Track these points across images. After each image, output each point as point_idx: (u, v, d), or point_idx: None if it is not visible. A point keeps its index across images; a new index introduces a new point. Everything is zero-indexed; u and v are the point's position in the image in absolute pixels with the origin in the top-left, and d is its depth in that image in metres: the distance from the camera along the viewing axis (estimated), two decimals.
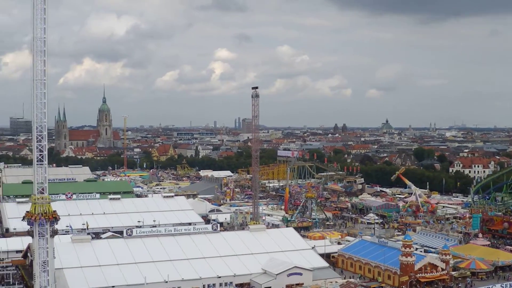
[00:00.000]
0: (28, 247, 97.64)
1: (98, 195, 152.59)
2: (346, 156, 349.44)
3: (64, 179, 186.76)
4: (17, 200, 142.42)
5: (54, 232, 74.37)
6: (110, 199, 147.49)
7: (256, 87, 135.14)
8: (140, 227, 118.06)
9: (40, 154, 70.39)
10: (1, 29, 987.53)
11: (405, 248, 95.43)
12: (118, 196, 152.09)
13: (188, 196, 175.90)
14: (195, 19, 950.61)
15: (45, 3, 67.87)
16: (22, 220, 74.52)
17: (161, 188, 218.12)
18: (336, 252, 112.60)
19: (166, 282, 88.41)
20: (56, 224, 73.75)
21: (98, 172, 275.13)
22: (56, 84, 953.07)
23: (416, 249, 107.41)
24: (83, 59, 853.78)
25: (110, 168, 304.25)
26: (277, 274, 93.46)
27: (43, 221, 69.11)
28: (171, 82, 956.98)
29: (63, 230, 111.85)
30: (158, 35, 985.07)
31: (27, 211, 71.85)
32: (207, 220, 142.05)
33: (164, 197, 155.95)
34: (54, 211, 71.12)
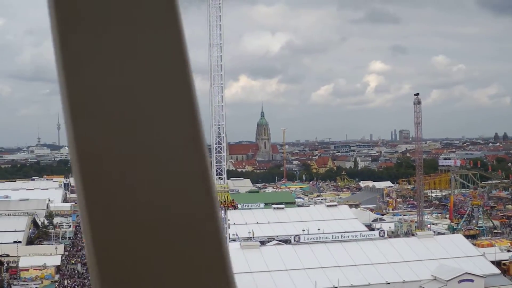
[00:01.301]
0: None
1: (262, 205, 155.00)
2: (510, 164, 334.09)
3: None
4: None
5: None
6: (274, 208, 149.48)
7: (418, 94, 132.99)
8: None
9: (218, 167, 72.41)
10: None
11: None
12: (282, 205, 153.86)
13: (350, 206, 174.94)
14: (348, 33, 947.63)
15: (220, 19, 70.10)
16: None
17: (322, 199, 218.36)
18: (508, 260, 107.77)
19: (335, 287, 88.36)
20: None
21: (258, 185, 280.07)
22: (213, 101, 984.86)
23: None
24: (239, 76, 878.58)
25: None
26: (447, 281, 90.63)
27: (221, 209, 70.16)
28: (326, 96, 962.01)
29: (229, 238, 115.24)
30: (313, 50, 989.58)
31: None
32: (371, 229, 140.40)
33: (327, 206, 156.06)
34: (233, 199, 72.56)
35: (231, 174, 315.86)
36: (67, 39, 1.22)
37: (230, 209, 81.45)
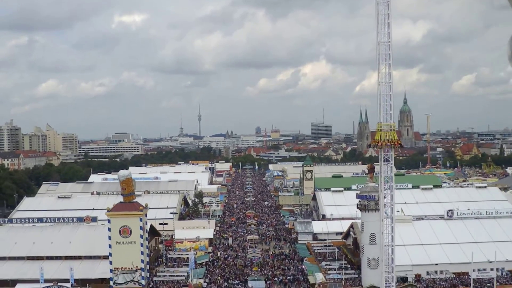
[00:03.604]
0: (351, 226, 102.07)
1: (410, 185, 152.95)
2: None
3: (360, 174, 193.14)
4: (332, 189, 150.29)
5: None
6: (422, 189, 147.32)
7: None
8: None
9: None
10: (300, 40, 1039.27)
11: None
12: (430, 186, 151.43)
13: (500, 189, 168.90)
14: (493, 19, 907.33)
15: (388, 8, 69.45)
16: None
17: (468, 184, 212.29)
18: None
19: (490, 262, 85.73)
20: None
21: (401, 170, 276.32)
22: (352, 91, 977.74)
23: None
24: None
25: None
26: None
27: (388, 147, 69.19)
28: (468, 86, 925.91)
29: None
30: (455, 38, 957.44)
31: (373, 139, 73.27)
32: None
33: (477, 187, 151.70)
34: (398, 139, 71.79)
35: (373, 160, 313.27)
36: None
37: None
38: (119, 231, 79.56)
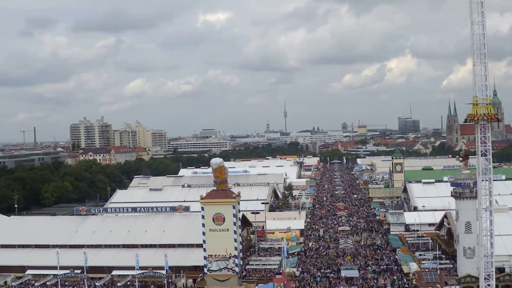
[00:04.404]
0: (445, 216, 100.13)
1: (503, 177, 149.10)
2: None
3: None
4: (423, 181, 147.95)
5: None
6: None
7: None
8: None
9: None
10: (384, 35, 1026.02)
11: None
12: None
13: None
14: None
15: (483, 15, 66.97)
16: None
17: None
18: None
19: None
20: None
21: (494, 164, 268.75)
22: (439, 86, 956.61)
23: None
24: (466, 59, 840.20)
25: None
26: None
27: (485, 121, 66.22)
28: None
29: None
30: None
31: (469, 113, 66.81)
32: None
33: None
34: (495, 113, 68.33)
35: None
36: None
37: None
38: (213, 219, 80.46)
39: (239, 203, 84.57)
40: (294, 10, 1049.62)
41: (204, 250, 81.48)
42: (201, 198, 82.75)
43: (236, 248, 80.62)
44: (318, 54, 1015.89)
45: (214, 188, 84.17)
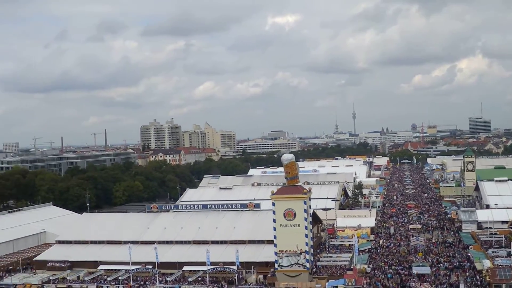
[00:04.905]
0: None
1: None
2: None
3: None
4: (495, 179, 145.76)
5: None
6: None
7: None
8: None
9: None
10: (454, 35, 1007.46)
11: None
12: None
13: None
14: None
15: None
16: None
17: None
18: None
19: None
20: None
21: None
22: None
23: None
24: None
25: None
26: None
27: None
28: None
29: None
30: None
31: None
32: None
33: None
34: None
35: None
36: None
37: None
38: (284, 214, 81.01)
39: (310, 199, 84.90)
40: (363, 11, 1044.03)
41: (275, 245, 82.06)
42: (272, 194, 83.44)
43: (307, 244, 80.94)
44: (387, 55, 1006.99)
45: (285, 183, 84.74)
